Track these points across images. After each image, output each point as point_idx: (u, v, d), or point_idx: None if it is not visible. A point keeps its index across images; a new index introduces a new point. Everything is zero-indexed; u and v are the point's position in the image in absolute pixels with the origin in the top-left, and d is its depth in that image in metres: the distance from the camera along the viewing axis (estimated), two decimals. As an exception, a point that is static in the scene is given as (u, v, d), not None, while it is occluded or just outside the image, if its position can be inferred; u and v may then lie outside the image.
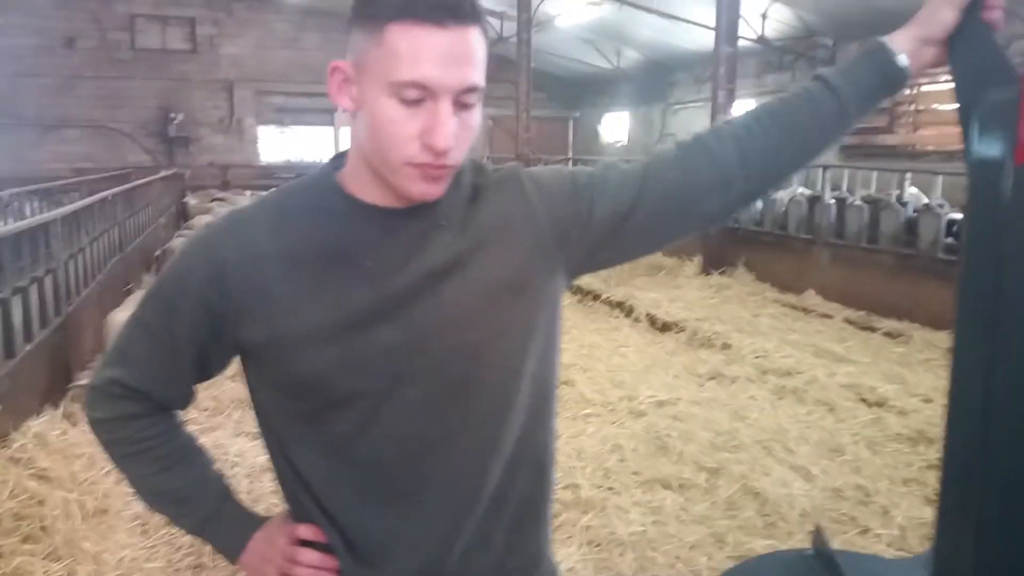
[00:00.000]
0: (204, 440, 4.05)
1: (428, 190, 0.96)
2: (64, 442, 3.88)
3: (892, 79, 1.08)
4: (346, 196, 1.01)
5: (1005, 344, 0.92)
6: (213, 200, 14.93)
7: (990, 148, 0.99)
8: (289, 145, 21.31)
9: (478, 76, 0.93)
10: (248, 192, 17.21)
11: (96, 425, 1.10)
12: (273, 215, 1.03)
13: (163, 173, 13.24)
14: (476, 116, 0.96)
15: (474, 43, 0.92)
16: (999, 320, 0.92)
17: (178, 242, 9.26)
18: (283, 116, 21.03)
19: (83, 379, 4.71)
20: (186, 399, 1.11)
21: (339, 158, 1.07)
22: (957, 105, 1.08)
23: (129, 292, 7.31)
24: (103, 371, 1.08)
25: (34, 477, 3.44)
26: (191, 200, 14.89)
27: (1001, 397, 0.93)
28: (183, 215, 14.10)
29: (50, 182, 11.59)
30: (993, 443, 0.94)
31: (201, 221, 11.51)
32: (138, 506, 3.43)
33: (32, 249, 4.94)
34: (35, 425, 3.99)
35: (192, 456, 1.14)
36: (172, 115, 19.42)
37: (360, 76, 0.94)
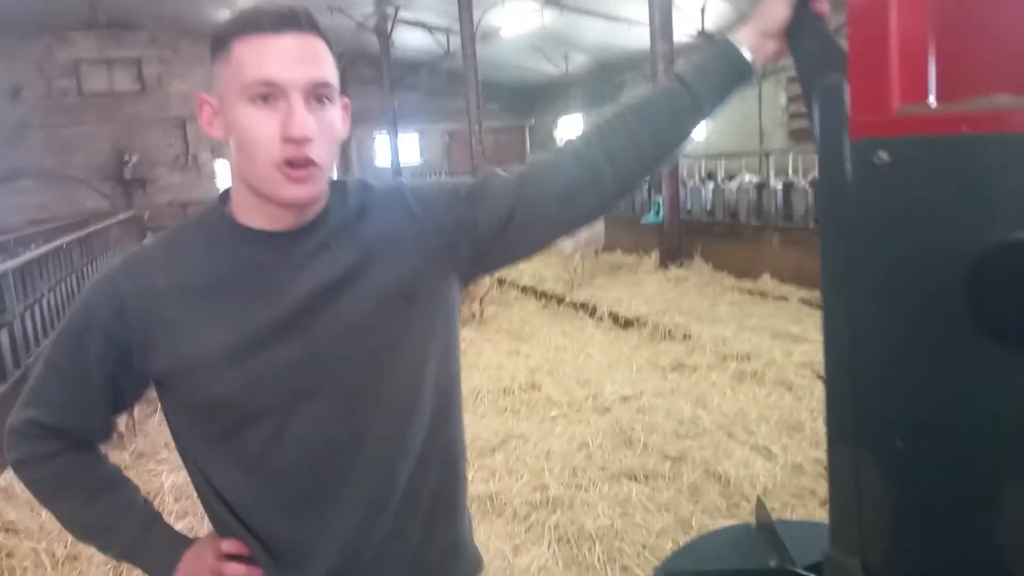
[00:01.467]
0: (174, 479, 4.03)
1: (298, 192, 1.00)
2: (29, 495, 3.85)
3: (740, 71, 1.17)
4: (235, 224, 1.07)
5: (859, 305, 1.00)
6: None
7: (830, 127, 1.06)
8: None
9: (325, 73, 1.00)
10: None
11: (17, 466, 1.12)
12: (168, 250, 1.09)
13: (120, 216, 13.12)
14: (335, 115, 1.03)
15: (315, 47, 1.00)
16: (853, 282, 1.00)
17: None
18: (238, 148, 20.95)
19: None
20: (104, 431, 1.14)
21: (227, 193, 1.12)
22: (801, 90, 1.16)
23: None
24: (19, 413, 1.11)
25: (1, 530, 3.43)
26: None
27: (862, 359, 0.99)
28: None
29: (5, 235, 11.46)
30: (861, 404, 1.01)
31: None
32: (109, 549, 3.44)
33: (-15, 304, 4.92)
34: (-1, 480, 3.99)
35: (116, 485, 1.17)
36: (126, 157, 19.28)
37: (222, 102, 1.01)
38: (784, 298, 7.10)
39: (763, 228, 7.94)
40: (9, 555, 3.23)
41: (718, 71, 1.17)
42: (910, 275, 0.96)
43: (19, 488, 3.89)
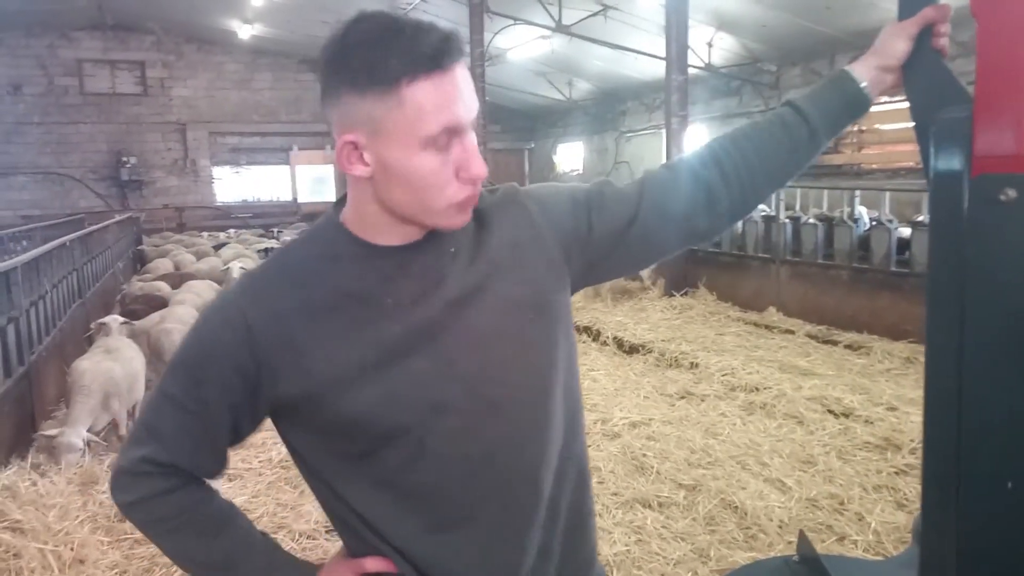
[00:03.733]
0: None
1: (466, 219, 1.03)
2: (35, 493, 3.79)
3: (856, 104, 1.18)
4: (356, 240, 1.04)
5: (972, 347, 0.98)
6: (170, 243, 14.75)
7: (949, 163, 1.06)
8: (245, 185, 21.20)
9: (476, 99, 1.00)
10: (205, 234, 17.05)
11: (129, 508, 1.08)
12: (288, 270, 1.05)
13: (118, 217, 13.04)
14: (473, 132, 1.03)
15: (468, 73, 0.99)
16: (965, 324, 0.98)
17: (138, 286, 9.12)
18: (238, 156, 20.96)
19: (47, 429, 4.62)
20: (219, 467, 1.11)
21: (339, 206, 1.09)
22: (913, 125, 1.16)
23: (90, 339, 7.17)
24: (131, 451, 1.06)
25: (7, 529, 3.36)
26: (146, 246, 14.66)
27: (972, 397, 0.98)
28: (140, 259, 13.89)
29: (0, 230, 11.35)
30: (967, 443, 0.99)
31: (160, 265, 11.34)
32: (116, 553, 3.38)
33: (-8, 298, 4.86)
34: (3, 477, 3.91)
35: (231, 520, 1.12)
36: (124, 159, 19.23)
37: (377, 140, 0.96)
38: (791, 331, 7.12)
39: (770, 261, 7.98)
40: (16, 556, 3.15)
41: (835, 102, 1.18)
42: None
43: (24, 486, 3.82)
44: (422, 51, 0.92)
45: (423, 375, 1.02)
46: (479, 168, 0.98)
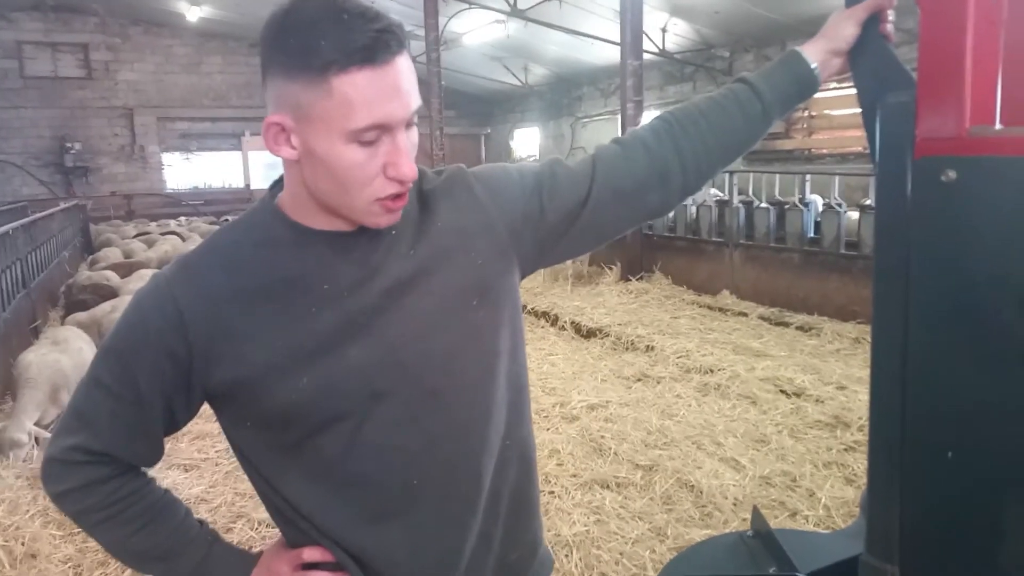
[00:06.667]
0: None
1: (392, 218, 0.99)
2: (-16, 489, 3.70)
3: (807, 85, 1.20)
4: (293, 224, 1.01)
5: (916, 325, 1.02)
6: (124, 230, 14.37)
7: (893, 145, 1.09)
8: (196, 171, 20.73)
9: (418, 96, 0.96)
10: (153, 223, 16.65)
11: (60, 497, 1.04)
12: (222, 255, 1.02)
13: (64, 205, 12.64)
14: (415, 128, 0.99)
15: (408, 68, 0.94)
16: (910, 303, 1.02)
17: (84, 276, 8.89)
18: (188, 142, 20.46)
19: (-6, 423, 4.49)
20: (155, 454, 1.07)
21: (275, 188, 1.06)
22: (860, 109, 1.19)
23: (36, 330, 6.98)
24: (60, 440, 1.03)
25: (-46, 527, 3.27)
26: (111, 233, 14.23)
27: (916, 374, 1.02)
28: (87, 248, 13.51)
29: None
30: (911, 418, 1.03)
31: (109, 254, 11.06)
32: (69, 547, 3.31)
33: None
34: (-51, 473, 3.81)
35: (168, 509, 1.09)
36: (68, 145, 18.63)
37: (303, 126, 0.93)
38: (744, 314, 7.26)
39: (724, 245, 8.10)
40: (-36, 552, 3.07)
41: (786, 82, 1.20)
42: (972, 293, 0.98)
43: (-29, 483, 3.72)
44: (357, 42, 0.88)
45: (361, 363, 1.00)
46: (408, 169, 0.94)
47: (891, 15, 1.15)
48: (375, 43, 0.89)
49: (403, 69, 0.93)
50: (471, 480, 1.07)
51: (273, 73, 0.93)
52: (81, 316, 6.48)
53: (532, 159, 20.25)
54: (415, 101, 0.95)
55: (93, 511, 1.04)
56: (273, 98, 0.94)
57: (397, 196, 0.97)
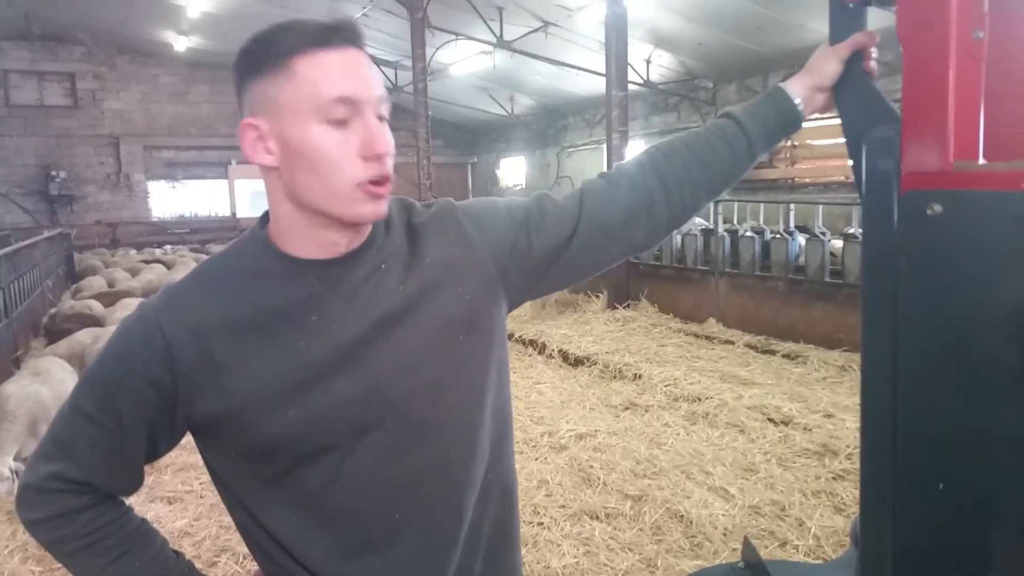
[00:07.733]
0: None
1: (377, 209, 0.99)
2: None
3: (791, 120, 1.22)
4: (280, 254, 1.02)
5: (905, 355, 1.02)
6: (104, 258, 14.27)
7: (879, 180, 1.11)
8: (182, 200, 20.69)
9: (384, 90, 0.99)
10: (132, 251, 16.55)
11: (35, 525, 1.02)
12: (210, 285, 1.02)
13: (47, 233, 12.55)
14: (389, 130, 1.01)
15: (368, 62, 0.99)
16: (898, 333, 1.02)
17: (68, 306, 8.81)
18: (174, 171, 20.44)
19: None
20: (135, 483, 1.06)
21: (264, 219, 1.07)
22: (845, 142, 1.21)
23: (17, 360, 6.90)
24: (38, 467, 1.01)
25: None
26: (95, 259, 14.14)
27: (906, 403, 1.03)
28: (71, 276, 13.39)
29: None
30: (902, 447, 1.03)
31: (93, 283, 10.97)
32: (48, 585, 3.25)
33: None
34: (-74, 508, 3.73)
35: (144, 539, 1.08)
36: (53, 173, 18.57)
37: (276, 123, 0.96)
38: (730, 342, 7.27)
39: (709, 273, 8.14)
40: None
41: (771, 116, 1.22)
42: (959, 323, 0.99)
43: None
44: (314, 29, 0.95)
45: (347, 396, 0.99)
46: (383, 144, 0.96)
47: (874, 52, 1.17)
48: (330, 30, 0.95)
49: (362, 59, 0.98)
50: (453, 513, 1.06)
51: (244, 84, 0.98)
52: (61, 347, 6.41)
53: (518, 188, 20.37)
54: (380, 89, 0.98)
55: (68, 540, 1.02)
56: (247, 105, 0.99)
57: (379, 182, 0.97)
